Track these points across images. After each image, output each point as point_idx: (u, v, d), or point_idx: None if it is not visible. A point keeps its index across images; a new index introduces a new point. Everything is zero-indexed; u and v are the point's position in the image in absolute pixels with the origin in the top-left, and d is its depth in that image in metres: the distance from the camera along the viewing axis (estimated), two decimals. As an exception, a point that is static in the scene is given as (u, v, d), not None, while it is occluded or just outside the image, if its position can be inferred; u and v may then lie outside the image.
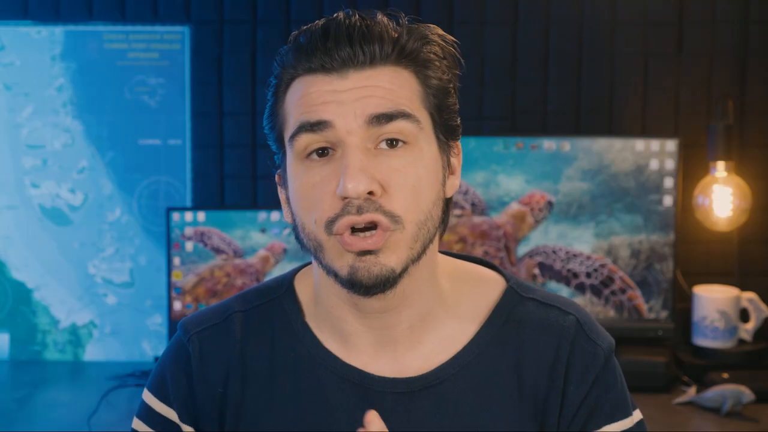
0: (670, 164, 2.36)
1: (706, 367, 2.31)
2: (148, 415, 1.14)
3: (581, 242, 2.39)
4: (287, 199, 1.09)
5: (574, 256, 2.40)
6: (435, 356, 1.09)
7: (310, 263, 1.15)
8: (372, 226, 1.00)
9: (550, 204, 2.39)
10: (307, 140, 1.02)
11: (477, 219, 2.40)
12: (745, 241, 2.50)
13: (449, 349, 1.10)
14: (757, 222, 2.48)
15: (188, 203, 2.53)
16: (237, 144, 2.54)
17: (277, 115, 1.08)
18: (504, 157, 2.39)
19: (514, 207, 2.40)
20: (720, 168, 2.39)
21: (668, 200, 2.37)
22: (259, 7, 2.51)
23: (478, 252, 2.40)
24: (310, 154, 1.03)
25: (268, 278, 2.24)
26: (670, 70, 2.50)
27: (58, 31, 2.51)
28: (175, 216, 2.42)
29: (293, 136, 1.03)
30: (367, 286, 1.02)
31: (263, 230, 2.41)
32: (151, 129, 2.54)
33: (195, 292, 2.42)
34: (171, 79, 2.53)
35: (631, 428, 1.11)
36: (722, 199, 2.38)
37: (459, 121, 1.09)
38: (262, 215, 2.41)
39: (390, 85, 1.03)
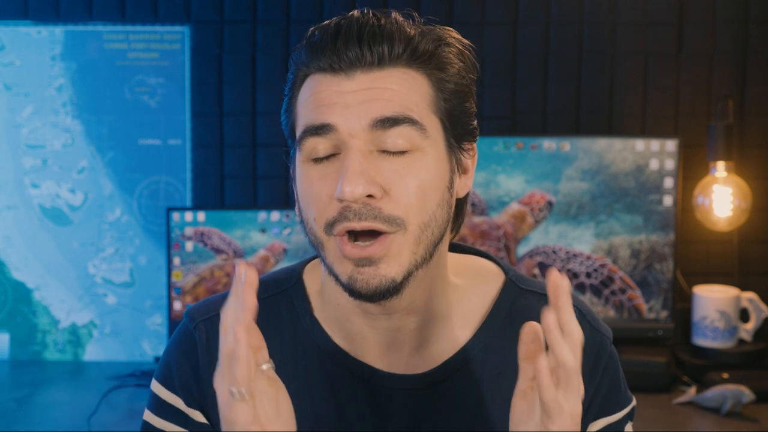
0: (670, 164, 2.36)
1: (706, 367, 2.31)
2: (155, 404, 1.13)
3: (581, 242, 2.39)
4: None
5: (574, 256, 2.39)
6: (442, 353, 1.09)
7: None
8: (372, 233, 0.98)
9: (550, 204, 2.39)
10: (313, 143, 1.00)
11: (477, 219, 2.40)
12: (745, 241, 2.50)
13: (455, 344, 1.10)
14: (757, 222, 2.48)
15: (188, 203, 2.53)
16: (237, 144, 2.54)
17: (291, 112, 1.06)
18: (504, 157, 2.39)
19: (514, 207, 2.40)
20: (720, 168, 2.39)
21: (668, 200, 2.37)
22: (259, 7, 2.51)
23: (478, 252, 2.39)
24: (316, 158, 1.01)
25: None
26: (670, 70, 2.50)
27: (58, 31, 2.51)
28: (175, 216, 2.42)
29: (300, 139, 1.01)
30: (366, 296, 1.00)
31: (263, 230, 2.41)
32: (151, 129, 2.54)
33: (195, 292, 2.42)
34: (171, 79, 2.53)
35: (630, 411, 1.14)
36: (722, 199, 2.38)
37: (476, 123, 1.06)
38: (262, 215, 2.41)
39: (399, 87, 1.00)
